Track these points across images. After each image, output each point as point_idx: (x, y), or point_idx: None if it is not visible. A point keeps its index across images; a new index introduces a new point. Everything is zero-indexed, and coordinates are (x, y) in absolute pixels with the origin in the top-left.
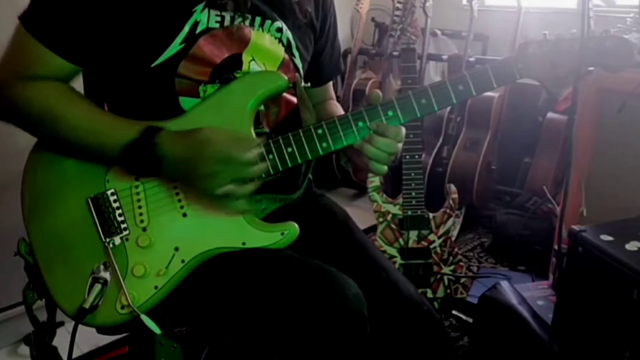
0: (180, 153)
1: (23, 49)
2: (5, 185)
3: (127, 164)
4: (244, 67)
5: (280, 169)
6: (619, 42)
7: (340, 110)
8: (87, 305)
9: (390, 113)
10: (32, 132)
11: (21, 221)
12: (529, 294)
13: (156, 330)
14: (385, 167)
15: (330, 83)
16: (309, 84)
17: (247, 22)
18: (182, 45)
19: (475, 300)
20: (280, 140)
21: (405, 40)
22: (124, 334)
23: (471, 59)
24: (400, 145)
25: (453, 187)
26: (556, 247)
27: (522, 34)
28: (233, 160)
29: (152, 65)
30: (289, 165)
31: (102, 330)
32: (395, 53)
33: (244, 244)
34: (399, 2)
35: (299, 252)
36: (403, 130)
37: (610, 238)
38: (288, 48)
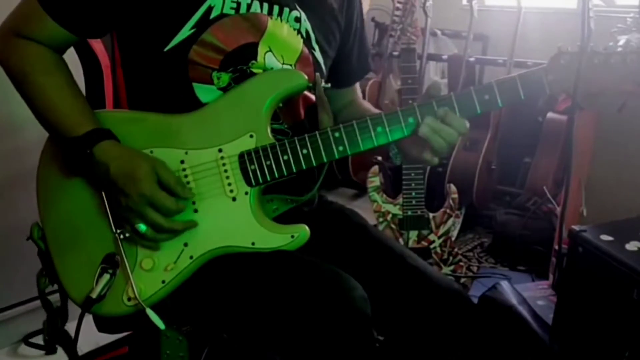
0: (113, 170)
1: (27, 8)
2: (8, 185)
3: (64, 155)
4: (259, 58)
5: (295, 171)
6: None
7: (372, 108)
8: (94, 295)
9: (410, 120)
10: (13, 84)
11: (23, 222)
12: (529, 294)
13: (160, 325)
14: (437, 159)
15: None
16: (329, 85)
17: (264, 10)
18: (193, 30)
19: (475, 300)
20: (296, 141)
21: (405, 40)
22: (124, 334)
23: (471, 59)
24: (459, 138)
25: (453, 187)
26: (556, 247)
27: (522, 34)
28: (155, 203)
29: (165, 49)
30: (304, 167)
31: (103, 328)
32: (395, 53)
33: (253, 244)
34: (399, 2)
35: (319, 254)
36: (467, 124)
37: (610, 238)
38: (307, 40)
